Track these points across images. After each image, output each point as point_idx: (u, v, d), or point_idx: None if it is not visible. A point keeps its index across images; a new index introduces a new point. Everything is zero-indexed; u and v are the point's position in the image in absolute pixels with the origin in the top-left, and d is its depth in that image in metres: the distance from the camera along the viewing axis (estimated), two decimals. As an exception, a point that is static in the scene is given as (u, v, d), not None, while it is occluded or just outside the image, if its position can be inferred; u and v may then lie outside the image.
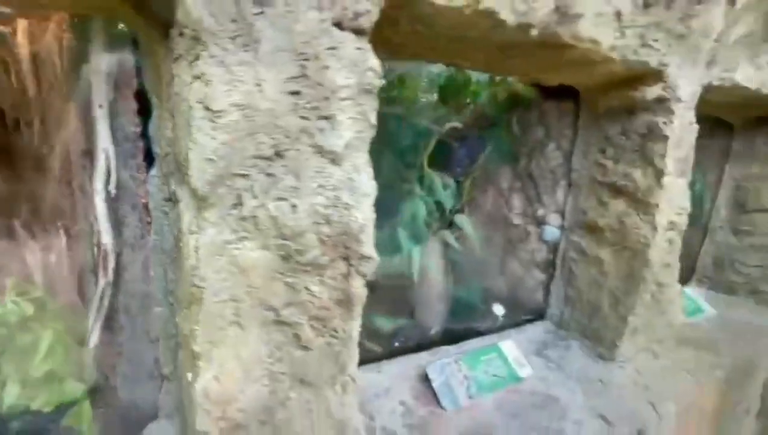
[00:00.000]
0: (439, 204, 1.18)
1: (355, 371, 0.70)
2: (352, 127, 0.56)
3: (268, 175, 0.54)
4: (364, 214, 0.59)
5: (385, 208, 1.10)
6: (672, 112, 0.97)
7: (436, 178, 1.13)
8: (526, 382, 1.07)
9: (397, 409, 0.94)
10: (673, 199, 1.10)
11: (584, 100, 1.14)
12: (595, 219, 1.15)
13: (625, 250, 1.09)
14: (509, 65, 0.93)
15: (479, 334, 1.21)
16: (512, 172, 1.29)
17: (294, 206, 0.56)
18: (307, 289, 0.62)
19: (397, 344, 1.10)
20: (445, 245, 1.19)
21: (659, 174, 1.00)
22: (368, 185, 0.59)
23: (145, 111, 0.69)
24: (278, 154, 0.53)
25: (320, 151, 0.56)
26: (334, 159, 0.57)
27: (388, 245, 1.06)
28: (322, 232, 0.59)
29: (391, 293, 1.17)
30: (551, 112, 1.20)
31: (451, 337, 1.17)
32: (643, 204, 1.04)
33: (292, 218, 0.56)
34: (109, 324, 0.81)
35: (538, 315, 1.34)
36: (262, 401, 0.64)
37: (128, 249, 0.74)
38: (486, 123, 1.27)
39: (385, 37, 0.74)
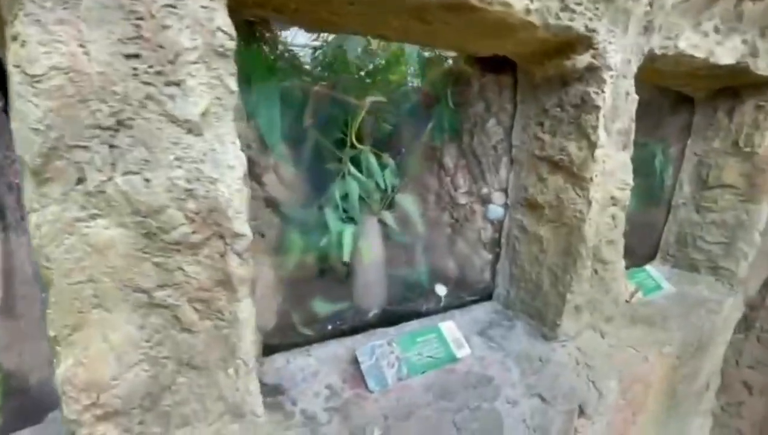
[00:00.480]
0: (383, 183, 1.14)
1: (248, 354, 0.67)
2: (208, 93, 0.52)
3: (113, 146, 0.50)
4: (231, 188, 0.56)
5: (313, 189, 1.07)
6: (603, 81, 0.93)
7: (371, 157, 1.10)
8: (462, 362, 1.05)
9: (322, 393, 0.92)
10: (614, 173, 1.07)
11: (521, 71, 1.10)
12: (535, 195, 1.12)
13: (562, 226, 1.06)
14: (430, 34, 0.88)
15: (421, 315, 1.19)
16: (457, 150, 1.25)
17: (147, 180, 0.52)
18: (181, 269, 0.59)
19: (330, 328, 1.08)
20: (385, 226, 1.16)
21: (592, 146, 0.96)
22: (234, 157, 0.56)
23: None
24: (122, 124, 0.50)
25: (173, 120, 0.52)
26: (192, 129, 0.53)
27: (315, 227, 1.03)
28: (187, 209, 0.56)
29: (330, 276, 1.14)
30: (490, 85, 1.15)
31: (390, 320, 1.14)
32: (578, 178, 1.01)
33: (147, 193, 0.53)
34: (10, 311, 0.78)
35: (487, 295, 1.32)
36: (144, 387, 0.61)
37: (12, 233, 0.71)
38: (428, 99, 1.22)
39: (278, 3, 0.70)
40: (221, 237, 0.60)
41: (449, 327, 1.13)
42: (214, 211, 0.57)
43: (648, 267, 1.70)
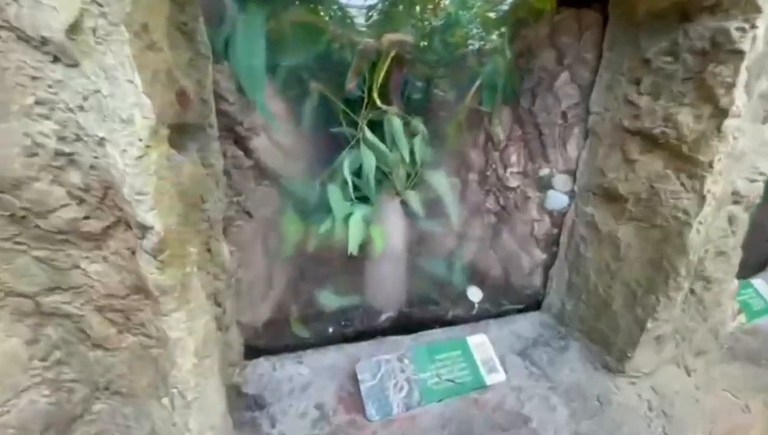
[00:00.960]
0: (410, 155, 0.90)
1: (186, 384, 0.49)
2: (74, -6, 0.31)
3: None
4: (128, 155, 0.36)
5: (320, 159, 0.85)
6: (757, 11, 0.59)
7: (396, 121, 0.85)
8: (492, 391, 0.82)
9: (309, 413, 0.74)
10: (744, 157, 0.74)
11: (615, 3, 0.77)
12: (616, 183, 0.81)
13: (653, 228, 0.76)
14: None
15: (446, 324, 0.97)
16: (511, 116, 0.96)
17: (-11, 136, 0.33)
18: (79, 268, 0.41)
19: (332, 330, 0.89)
20: (410, 210, 0.93)
21: (721, 114, 0.64)
22: (133, 104, 0.35)
23: None
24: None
25: (24, 37, 0.32)
26: (58, 55, 0.33)
27: (320, 207, 0.82)
28: (69, 183, 0.37)
29: (339, 268, 0.94)
30: (566, 25, 0.83)
31: (407, 326, 0.93)
32: (689, 162, 0.69)
33: (-9, 157, 0.34)
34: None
35: (534, 305, 1.06)
36: (44, 416, 0.46)
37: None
38: (478, 46, 0.93)
39: None
40: (129, 227, 0.40)
41: (480, 343, 0.89)
42: (111, 188, 0.38)
43: (755, 281, 1.32)
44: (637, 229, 0.79)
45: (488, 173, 1.00)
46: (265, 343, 0.83)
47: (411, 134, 0.90)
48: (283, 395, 0.77)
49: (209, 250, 0.62)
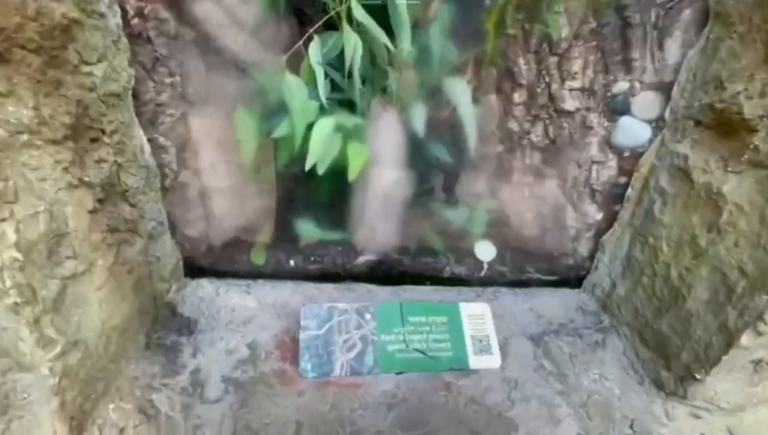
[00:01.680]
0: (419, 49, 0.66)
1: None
2: None
3: None
4: None
5: (288, 38, 0.64)
6: None
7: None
8: (477, 377, 0.61)
9: (239, 351, 0.62)
10: None
11: None
12: (741, 101, 0.48)
13: (794, 183, 0.43)
14: None
15: (441, 282, 0.75)
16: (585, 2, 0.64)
17: None
18: None
19: (293, 264, 0.74)
20: (411, 128, 0.70)
21: None
22: None
23: None
24: None
25: None
26: None
27: (281, 107, 0.63)
28: None
29: (317, 189, 0.76)
30: None
31: (389, 274, 0.74)
32: None
33: None
34: None
35: (575, 280, 0.78)
36: None
37: None
38: None
39: None
40: None
41: (477, 314, 0.67)
42: None
43: None
44: (760, 183, 0.46)
45: (537, 88, 0.71)
46: (213, 263, 0.72)
47: (415, 19, 0.64)
48: (218, 325, 0.66)
49: (96, 129, 0.48)
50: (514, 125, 0.73)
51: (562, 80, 0.68)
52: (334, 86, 0.65)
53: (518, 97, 0.72)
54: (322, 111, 0.63)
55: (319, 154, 0.62)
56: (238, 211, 0.73)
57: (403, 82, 0.67)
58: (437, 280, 0.74)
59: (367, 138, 0.68)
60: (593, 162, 0.69)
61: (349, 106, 0.67)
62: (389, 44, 0.61)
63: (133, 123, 0.55)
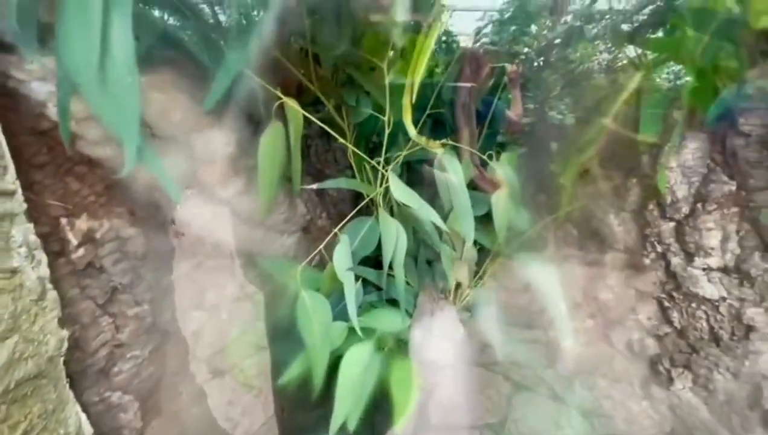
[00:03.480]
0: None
1: None
2: None
3: None
4: None
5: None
6: None
7: (455, 163, 0.43)
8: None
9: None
10: None
11: None
12: None
13: None
14: None
15: None
16: (705, 149, 0.46)
17: None
18: None
19: None
20: (475, 324, 0.49)
21: None
22: None
23: None
24: None
25: None
26: None
27: (282, 330, 0.43)
28: None
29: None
30: None
31: None
32: None
33: None
34: None
35: None
36: None
37: None
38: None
39: None
40: None
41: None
42: None
43: None
44: None
45: (647, 260, 0.50)
46: None
47: (486, 184, 0.48)
48: None
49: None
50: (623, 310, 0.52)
51: (689, 254, 0.48)
52: (364, 285, 0.46)
53: (617, 271, 0.51)
54: (351, 333, 0.42)
55: (347, 410, 0.39)
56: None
57: (457, 268, 0.48)
58: None
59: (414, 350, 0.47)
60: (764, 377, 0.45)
61: (392, 302, 0.47)
62: (443, 225, 0.43)
63: (64, 401, 0.35)
